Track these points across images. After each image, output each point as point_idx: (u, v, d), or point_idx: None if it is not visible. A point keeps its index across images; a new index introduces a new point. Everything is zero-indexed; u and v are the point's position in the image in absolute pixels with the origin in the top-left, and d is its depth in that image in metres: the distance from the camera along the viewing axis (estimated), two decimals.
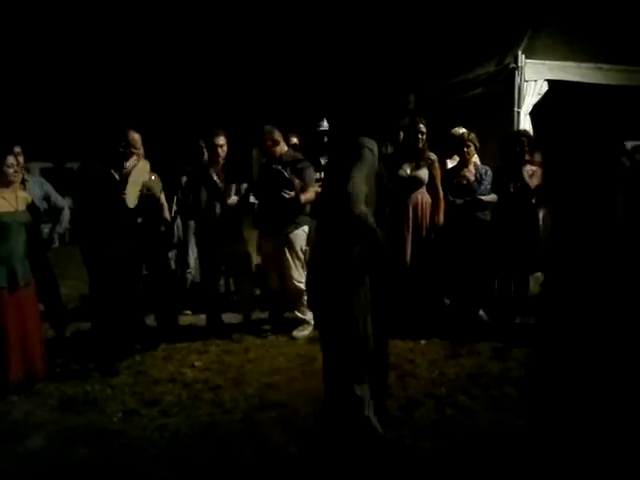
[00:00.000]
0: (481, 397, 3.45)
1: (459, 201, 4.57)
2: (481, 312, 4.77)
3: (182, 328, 4.91)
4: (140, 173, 4.23)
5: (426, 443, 2.95)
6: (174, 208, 5.28)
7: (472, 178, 4.60)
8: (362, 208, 2.32)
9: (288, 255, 4.56)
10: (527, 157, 4.53)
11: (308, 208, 4.56)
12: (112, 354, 4.10)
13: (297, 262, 4.56)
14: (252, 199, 4.71)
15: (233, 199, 4.59)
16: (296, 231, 4.55)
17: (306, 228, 4.58)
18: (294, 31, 8.49)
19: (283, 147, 4.63)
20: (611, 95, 2.88)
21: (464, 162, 4.68)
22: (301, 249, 4.57)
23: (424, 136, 4.57)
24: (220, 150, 4.60)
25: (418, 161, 4.54)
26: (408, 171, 4.53)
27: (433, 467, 2.75)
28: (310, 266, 2.65)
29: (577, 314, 2.80)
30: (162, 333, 4.65)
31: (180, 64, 8.17)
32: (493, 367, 3.91)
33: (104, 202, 4.05)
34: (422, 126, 4.54)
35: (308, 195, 4.46)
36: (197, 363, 4.16)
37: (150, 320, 4.78)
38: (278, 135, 4.58)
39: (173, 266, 5.47)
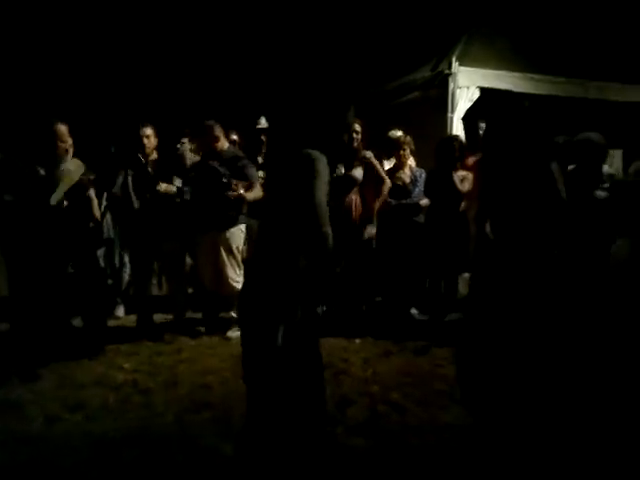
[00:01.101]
0: (412, 394, 3.53)
1: (394, 202, 4.67)
2: (413, 310, 4.89)
3: (111, 329, 4.72)
4: (74, 172, 4.10)
5: (359, 440, 2.98)
6: (104, 204, 5.09)
7: (407, 180, 4.72)
8: (328, 229, 2.33)
9: (224, 253, 4.48)
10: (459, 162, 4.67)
11: (245, 207, 4.50)
12: (33, 357, 3.89)
13: (233, 261, 4.50)
14: (187, 196, 4.58)
15: (163, 185, 4.46)
16: (232, 229, 4.49)
17: (243, 227, 4.53)
18: (233, 26, 8.39)
19: (224, 143, 4.55)
20: (538, 104, 3.02)
21: (400, 164, 4.79)
22: (237, 248, 4.50)
23: (359, 135, 4.63)
24: (147, 141, 4.47)
25: (352, 161, 4.59)
26: (342, 170, 4.58)
27: (366, 465, 2.78)
28: (248, 267, 2.59)
29: (503, 311, 2.93)
30: (89, 334, 4.45)
31: (116, 56, 7.90)
32: (424, 364, 4.01)
33: (26, 198, 3.85)
34: (357, 126, 4.60)
35: (255, 193, 4.38)
36: (126, 365, 4.02)
37: (77, 321, 4.56)
38: (219, 131, 4.50)
39: (102, 264, 5.25)
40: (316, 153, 2.38)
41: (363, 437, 3.02)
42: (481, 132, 5.38)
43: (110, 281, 5.35)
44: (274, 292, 2.33)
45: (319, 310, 2.54)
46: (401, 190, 4.71)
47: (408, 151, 4.75)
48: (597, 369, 3.58)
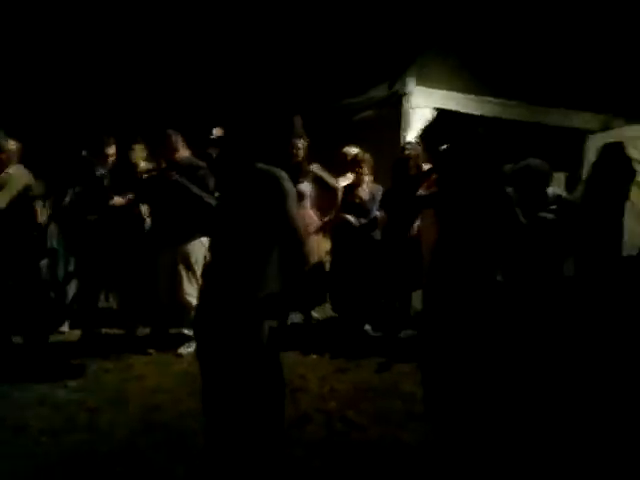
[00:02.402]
0: (369, 411, 3.51)
1: (354, 221, 4.69)
2: (367, 327, 4.90)
3: (54, 345, 4.51)
4: (18, 179, 3.94)
5: (317, 461, 2.93)
6: (48, 212, 4.87)
7: (366, 197, 4.74)
8: (306, 249, 2.30)
9: (182, 266, 4.37)
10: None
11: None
12: None
13: (190, 275, 4.38)
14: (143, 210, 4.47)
15: (117, 199, 4.34)
16: (193, 242, 4.38)
17: (204, 240, 4.41)
18: (190, 34, 8.29)
19: (183, 152, 4.46)
20: (492, 129, 3.13)
21: (358, 182, 4.81)
22: (197, 261, 4.39)
23: (300, 151, 4.62)
24: (110, 160, 4.38)
25: (298, 176, 4.58)
26: None
27: None
28: (204, 283, 2.50)
29: (456, 326, 2.98)
30: (30, 351, 4.22)
31: (74, 62, 7.67)
32: (379, 380, 4.02)
33: None
34: (301, 139, 4.59)
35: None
36: (71, 383, 3.84)
37: (17, 338, 4.33)
38: (178, 140, 4.42)
39: (44, 276, 5.00)
40: (277, 170, 2.33)
41: (321, 456, 2.97)
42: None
43: (53, 294, 5.10)
44: (238, 310, 2.26)
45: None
46: (359, 207, 4.73)
47: (366, 168, 4.78)
48: (552, 380, 3.70)
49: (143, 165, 4.92)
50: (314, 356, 4.42)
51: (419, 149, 4.81)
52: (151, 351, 4.45)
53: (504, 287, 3.06)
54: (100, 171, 4.45)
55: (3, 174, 3.99)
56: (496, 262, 3.05)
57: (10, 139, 4.13)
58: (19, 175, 4.08)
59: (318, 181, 4.97)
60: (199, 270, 4.36)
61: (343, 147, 5.58)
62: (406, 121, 6.65)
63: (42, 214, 4.58)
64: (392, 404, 3.60)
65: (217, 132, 6.13)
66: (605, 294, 4.05)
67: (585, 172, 6.14)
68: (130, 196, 4.44)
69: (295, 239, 2.27)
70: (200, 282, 4.26)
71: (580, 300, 4.16)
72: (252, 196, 2.27)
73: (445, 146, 3.17)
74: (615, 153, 4.30)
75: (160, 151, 4.53)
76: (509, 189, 3.82)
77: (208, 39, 8.42)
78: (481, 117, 6.66)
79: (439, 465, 2.88)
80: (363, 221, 4.71)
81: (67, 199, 4.54)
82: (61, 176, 4.77)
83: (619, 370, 3.84)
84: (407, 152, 4.72)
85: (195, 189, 4.19)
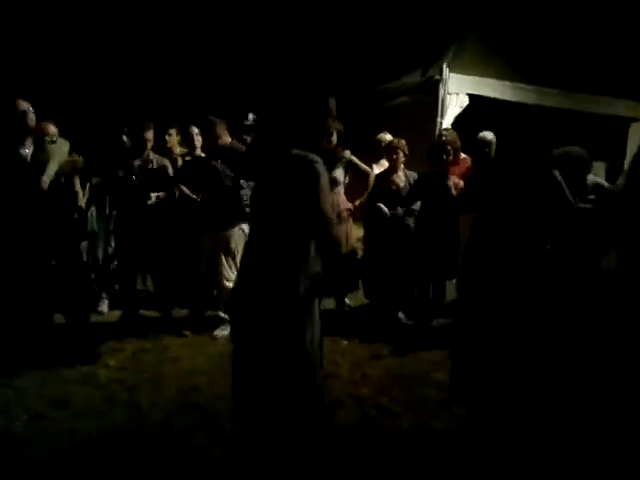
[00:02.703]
0: (402, 398, 3.52)
1: (388, 212, 4.67)
2: (400, 314, 4.90)
3: (95, 325, 4.64)
4: (59, 152, 4.02)
5: (350, 446, 2.96)
6: (87, 196, 4.98)
7: (402, 184, 4.71)
8: (337, 233, 2.30)
9: (222, 253, 4.44)
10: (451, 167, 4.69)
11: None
12: (15, 353, 3.77)
13: (230, 261, 4.45)
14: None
15: (153, 197, 4.46)
16: (233, 229, 4.44)
17: (245, 227, 4.45)
18: (221, 24, 8.32)
19: (226, 139, 4.52)
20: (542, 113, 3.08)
21: (394, 168, 4.77)
22: (237, 248, 4.43)
23: (333, 137, 4.59)
24: (148, 144, 4.50)
25: (332, 163, 4.58)
26: None
27: (357, 470, 2.77)
28: (241, 269, 2.52)
29: (491, 316, 2.96)
30: (72, 330, 4.35)
31: (101, 53, 7.80)
32: (412, 368, 4.01)
33: (7, 185, 3.72)
34: (337, 124, 4.56)
35: None
36: (111, 362, 3.95)
37: (59, 317, 4.46)
38: (221, 127, 4.48)
39: (85, 258, 5.14)
40: (312, 155, 2.33)
41: (353, 442, 3.00)
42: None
43: (93, 275, 5.24)
44: (284, 292, 2.28)
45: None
46: (395, 194, 4.70)
47: (402, 155, 4.74)
48: (588, 372, 3.65)
49: (178, 150, 5.00)
50: (346, 342, 4.44)
51: (456, 136, 4.75)
52: (187, 333, 4.54)
53: (553, 257, 3.04)
54: (134, 168, 4.51)
55: (47, 149, 4.01)
56: (545, 237, 3.03)
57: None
58: (60, 149, 4.13)
59: (351, 167, 4.97)
60: (239, 256, 4.42)
61: (376, 133, 5.56)
62: (442, 107, 6.55)
63: (82, 197, 4.67)
64: (425, 392, 3.60)
65: (252, 118, 6.19)
66: None
67: (627, 161, 5.98)
68: (161, 194, 4.52)
69: (324, 221, 2.27)
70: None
71: (621, 294, 4.06)
72: (289, 180, 2.29)
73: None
74: None
75: (205, 138, 4.58)
76: (556, 172, 3.78)
77: (245, 27, 8.45)
78: (518, 104, 6.53)
79: (471, 454, 2.89)
80: (400, 211, 4.68)
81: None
82: (101, 160, 4.86)
83: None
84: (444, 138, 4.66)
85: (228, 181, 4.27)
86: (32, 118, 3.88)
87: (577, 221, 3.88)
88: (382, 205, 4.71)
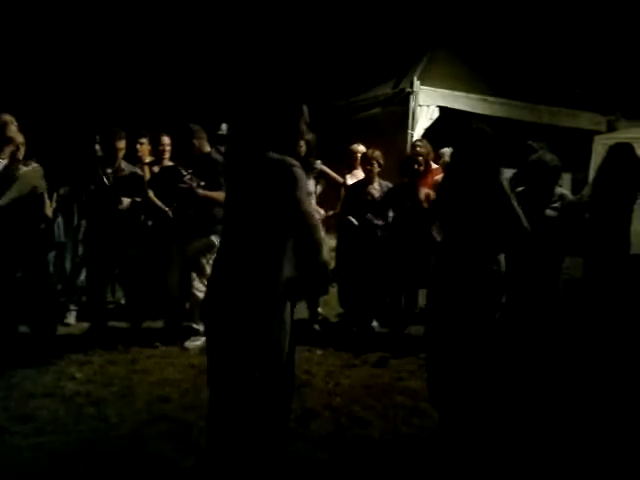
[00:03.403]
0: (374, 407, 3.52)
1: (355, 222, 4.70)
2: (374, 323, 4.91)
3: (61, 337, 4.51)
4: (28, 179, 4.04)
5: (323, 454, 2.94)
6: (54, 205, 4.88)
7: (377, 194, 4.74)
8: (320, 236, 2.25)
9: (192, 263, 4.39)
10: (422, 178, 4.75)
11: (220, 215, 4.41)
12: None
13: (201, 271, 4.39)
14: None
15: (125, 202, 4.38)
16: (204, 239, 4.38)
17: (215, 237, 4.38)
18: (194, 35, 8.32)
19: (205, 147, 4.48)
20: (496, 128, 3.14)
21: (369, 179, 4.81)
22: (208, 259, 4.39)
23: (309, 141, 4.61)
24: (120, 153, 4.43)
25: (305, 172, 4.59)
26: None
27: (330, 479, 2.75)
28: (212, 278, 2.48)
29: (454, 319, 2.99)
30: (37, 342, 4.23)
31: (74, 61, 7.71)
32: (385, 377, 4.02)
33: None
34: (310, 135, 4.58)
35: (211, 193, 4.30)
36: (78, 375, 3.84)
37: (24, 328, 4.35)
38: (200, 135, 4.45)
39: (52, 269, 5.02)
40: (290, 159, 2.27)
41: (327, 451, 2.98)
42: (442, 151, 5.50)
43: (59, 286, 5.12)
44: (256, 299, 2.25)
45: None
46: (371, 204, 4.73)
47: (376, 165, 4.77)
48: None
49: (148, 159, 4.95)
50: (319, 352, 4.42)
51: (429, 147, 4.82)
52: (157, 344, 4.46)
53: (500, 276, 3.07)
54: (107, 172, 4.45)
55: (15, 167, 4.00)
56: (494, 253, 3.07)
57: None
58: (29, 176, 4.10)
59: (323, 177, 5.00)
60: (209, 267, 4.38)
61: (348, 144, 5.60)
62: (412, 119, 6.67)
63: (49, 207, 4.58)
64: (397, 400, 3.61)
65: (225, 128, 6.17)
66: (613, 295, 4.06)
67: (592, 173, 6.15)
68: (137, 199, 4.46)
69: (307, 224, 2.21)
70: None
71: (588, 300, 4.17)
72: (266, 184, 2.24)
73: (452, 147, 3.20)
74: (624, 153, 4.30)
75: (184, 146, 4.54)
76: (520, 188, 3.86)
77: (216, 37, 8.45)
78: (485, 117, 6.68)
79: (443, 460, 2.90)
80: (375, 220, 4.71)
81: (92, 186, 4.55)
82: (71, 170, 4.79)
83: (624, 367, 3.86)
84: (418, 149, 4.72)
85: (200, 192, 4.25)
86: (12, 130, 3.85)
87: (541, 227, 3.99)
88: (351, 217, 4.73)
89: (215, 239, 4.37)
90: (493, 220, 2.97)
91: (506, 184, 3.11)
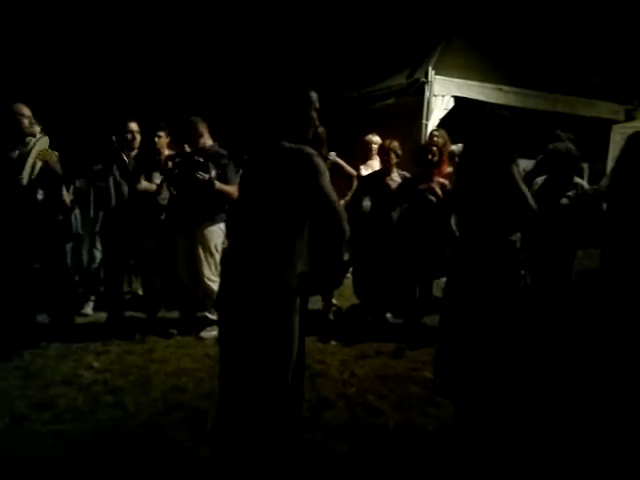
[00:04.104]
0: (389, 397, 3.53)
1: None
2: (388, 314, 4.91)
3: (79, 327, 4.58)
4: (41, 149, 4.07)
5: (338, 444, 2.96)
6: (71, 198, 4.92)
7: (394, 185, 4.71)
8: (346, 224, 2.23)
9: (201, 252, 4.38)
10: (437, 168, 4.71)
11: (226, 206, 4.42)
12: None
13: (210, 260, 4.40)
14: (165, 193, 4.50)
15: (144, 183, 4.40)
16: (211, 227, 4.39)
17: (222, 226, 4.43)
18: (214, 23, 8.31)
19: (207, 140, 4.48)
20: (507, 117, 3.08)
21: (386, 170, 4.78)
22: (216, 247, 4.41)
23: (319, 128, 4.57)
24: (131, 135, 4.41)
25: None
26: None
27: (345, 468, 2.76)
28: (225, 267, 2.46)
29: (478, 314, 2.97)
30: (56, 331, 4.29)
31: (94, 49, 7.76)
32: (399, 367, 4.02)
33: None
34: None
35: (226, 187, 4.31)
36: (95, 364, 3.89)
37: (43, 317, 4.40)
38: (203, 127, 4.44)
39: (69, 260, 5.08)
40: (307, 147, 2.24)
41: (342, 440, 3.00)
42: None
43: (77, 277, 5.18)
44: (269, 291, 2.25)
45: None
46: (388, 195, 4.70)
47: (394, 156, 4.74)
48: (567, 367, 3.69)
49: (167, 152, 4.96)
50: (334, 342, 4.43)
51: (447, 137, 4.78)
52: (173, 331, 4.52)
53: (517, 250, 3.02)
54: (125, 157, 4.48)
55: (29, 147, 4.05)
56: (508, 233, 3.01)
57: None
58: (41, 144, 4.14)
59: (336, 169, 4.98)
60: (218, 255, 4.40)
61: (363, 135, 5.57)
62: (427, 109, 6.62)
63: (67, 196, 4.63)
64: (411, 390, 3.61)
65: None
66: (631, 286, 4.00)
67: (610, 163, 6.06)
68: (158, 181, 4.47)
69: (334, 213, 2.20)
70: (220, 267, 4.31)
71: (605, 291, 4.12)
72: (282, 175, 2.20)
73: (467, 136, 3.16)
74: None
75: (185, 138, 4.55)
76: (541, 177, 3.81)
77: (227, 28, 8.44)
78: (501, 106, 6.60)
79: (457, 450, 2.90)
80: (395, 215, 4.69)
81: (102, 183, 4.58)
82: (88, 160, 4.81)
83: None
84: (435, 139, 4.69)
85: (213, 174, 4.25)
86: (26, 123, 3.93)
87: (556, 216, 3.96)
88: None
89: (220, 227, 4.38)
90: (505, 202, 2.93)
91: (516, 170, 3.06)
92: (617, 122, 7.21)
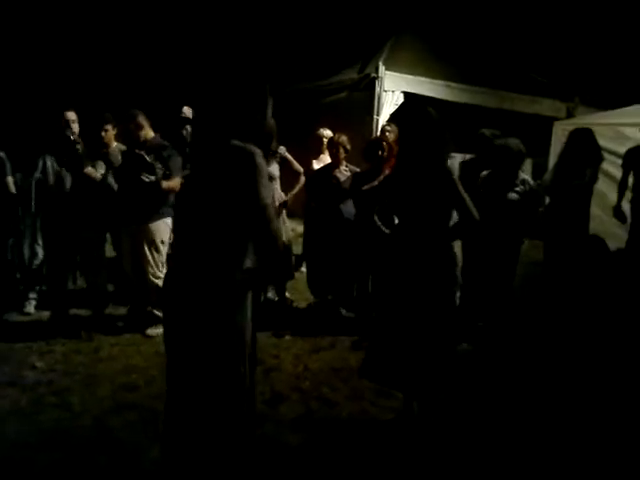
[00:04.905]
0: (342, 389, 3.56)
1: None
2: (342, 310, 4.94)
3: (21, 326, 4.39)
4: None
5: (292, 437, 2.96)
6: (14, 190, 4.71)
7: (342, 179, 4.73)
8: (277, 227, 2.25)
9: (146, 247, 4.26)
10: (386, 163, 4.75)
11: (172, 198, 4.31)
12: None
13: (155, 255, 4.27)
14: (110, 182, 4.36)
15: (89, 168, 4.25)
16: (157, 222, 4.27)
17: (168, 220, 4.33)
18: (161, 14, 8.10)
19: (149, 132, 4.35)
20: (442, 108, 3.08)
21: (335, 163, 4.80)
22: (162, 242, 4.30)
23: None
24: (72, 125, 4.27)
25: (267, 157, 4.54)
26: None
27: (299, 460, 2.77)
28: (170, 264, 2.42)
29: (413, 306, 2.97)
30: None
31: (39, 41, 7.44)
32: (352, 360, 4.04)
33: None
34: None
35: (171, 183, 4.21)
36: (39, 364, 3.75)
37: None
38: (143, 119, 4.30)
39: (10, 256, 4.85)
40: (252, 147, 2.25)
41: (295, 433, 3.00)
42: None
43: (18, 275, 4.96)
44: (217, 287, 2.22)
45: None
46: (336, 189, 4.72)
47: (342, 150, 4.76)
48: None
49: (114, 146, 4.80)
50: (288, 337, 4.42)
51: (397, 132, 4.83)
52: (121, 331, 4.38)
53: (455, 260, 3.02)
54: (73, 137, 4.30)
55: None
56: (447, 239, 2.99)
57: None
58: None
59: (285, 163, 4.97)
60: (165, 250, 4.30)
61: (314, 129, 5.57)
62: (378, 104, 6.69)
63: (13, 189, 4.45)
64: (365, 382, 3.62)
65: (187, 111, 6.03)
66: (573, 275, 4.18)
67: (552, 158, 6.30)
68: (102, 172, 4.33)
69: (263, 214, 2.21)
70: (166, 263, 4.21)
71: (549, 281, 4.28)
72: (227, 172, 2.21)
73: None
74: (583, 138, 4.41)
75: (125, 130, 4.41)
76: (484, 172, 3.88)
77: (179, 18, 8.27)
78: (449, 102, 6.75)
79: (411, 439, 2.95)
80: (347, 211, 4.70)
81: (37, 174, 4.39)
82: (32, 148, 4.61)
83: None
84: (387, 134, 4.73)
85: (157, 168, 4.14)
86: None
87: (503, 210, 4.06)
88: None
89: (166, 222, 4.30)
90: (442, 207, 2.89)
91: (454, 169, 3.05)
92: (559, 119, 7.50)
